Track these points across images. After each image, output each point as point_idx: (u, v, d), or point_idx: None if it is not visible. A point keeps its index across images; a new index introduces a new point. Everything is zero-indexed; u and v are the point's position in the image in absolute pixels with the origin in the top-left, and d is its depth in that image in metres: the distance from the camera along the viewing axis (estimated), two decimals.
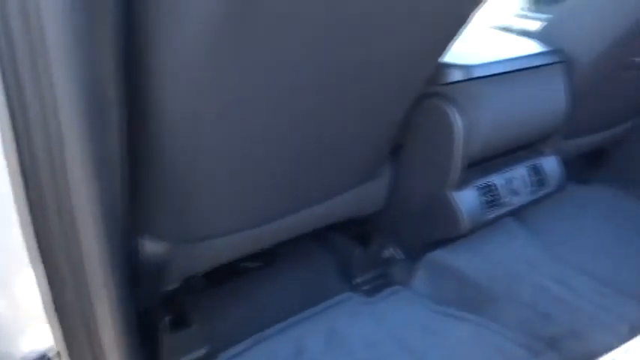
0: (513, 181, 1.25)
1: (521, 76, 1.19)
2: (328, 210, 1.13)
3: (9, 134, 0.53)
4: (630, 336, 1.06)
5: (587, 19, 1.26)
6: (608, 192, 1.71)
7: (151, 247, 0.87)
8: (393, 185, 1.22)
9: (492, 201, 1.20)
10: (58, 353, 0.68)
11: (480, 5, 0.88)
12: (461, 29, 0.91)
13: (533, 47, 1.29)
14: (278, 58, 0.69)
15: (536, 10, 2.03)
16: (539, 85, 1.24)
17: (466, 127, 1.08)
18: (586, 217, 1.53)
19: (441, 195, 1.15)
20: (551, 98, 1.27)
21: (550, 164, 1.35)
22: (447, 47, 0.94)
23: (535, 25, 1.84)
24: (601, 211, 1.58)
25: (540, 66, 1.24)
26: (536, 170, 1.32)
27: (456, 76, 1.08)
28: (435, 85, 1.10)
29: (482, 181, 1.20)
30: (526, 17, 1.96)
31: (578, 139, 1.53)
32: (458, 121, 1.07)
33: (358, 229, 1.32)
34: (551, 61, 1.26)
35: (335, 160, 1.00)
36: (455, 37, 0.92)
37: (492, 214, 1.20)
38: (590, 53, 1.27)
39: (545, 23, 1.37)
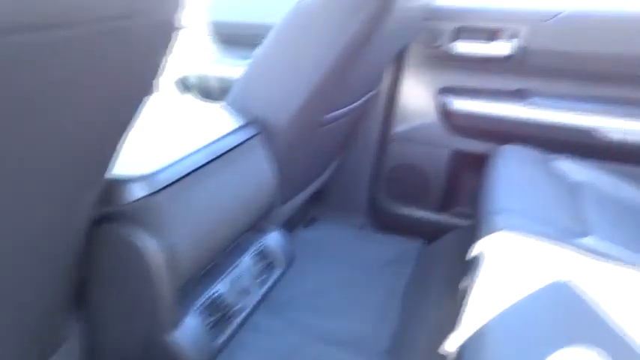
0: (241, 279, 1.09)
1: (221, 161, 1.02)
2: None
3: None
4: None
5: (274, 84, 1.17)
6: (330, 230, 1.74)
7: None
8: (91, 342, 0.91)
9: (222, 317, 1.01)
10: None
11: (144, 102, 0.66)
12: (124, 135, 0.68)
13: (228, 121, 1.14)
14: None
15: (227, 55, 1.95)
16: (244, 163, 1.10)
17: (166, 251, 0.84)
18: (320, 270, 1.50)
19: (155, 341, 0.89)
20: (259, 173, 1.15)
21: (275, 241, 1.24)
22: (113, 156, 0.69)
23: (227, 71, 1.75)
24: (330, 256, 1.57)
25: (241, 143, 1.09)
26: (262, 255, 1.18)
27: (137, 192, 0.83)
28: (112, 206, 0.83)
29: (204, 298, 0.99)
30: (216, 62, 1.85)
31: (293, 199, 1.47)
32: (152, 246, 0.83)
33: None
34: (250, 135, 1.13)
35: None
36: (119, 145, 0.68)
37: (225, 335, 1.01)
38: (284, 118, 1.19)
39: (235, 89, 1.23)
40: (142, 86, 0.63)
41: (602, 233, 1.03)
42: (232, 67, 1.75)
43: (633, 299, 0.84)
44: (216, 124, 1.11)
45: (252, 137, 1.13)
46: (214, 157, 0.99)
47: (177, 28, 0.61)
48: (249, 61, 1.20)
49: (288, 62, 1.15)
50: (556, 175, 1.32)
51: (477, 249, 1.05)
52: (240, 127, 1.12)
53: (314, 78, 1.14)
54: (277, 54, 1.16)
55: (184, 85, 1.85)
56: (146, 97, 0.66)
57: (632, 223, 1.13)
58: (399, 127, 1.71)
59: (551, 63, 1.51)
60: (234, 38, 1.97)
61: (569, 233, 1.01)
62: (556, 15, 1.48)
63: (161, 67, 0.64)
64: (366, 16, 1.04)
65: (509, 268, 0.91)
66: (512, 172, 1.30)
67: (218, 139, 1.04)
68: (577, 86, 1.51)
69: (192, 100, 1.67)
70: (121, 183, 0.82)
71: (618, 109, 1.47)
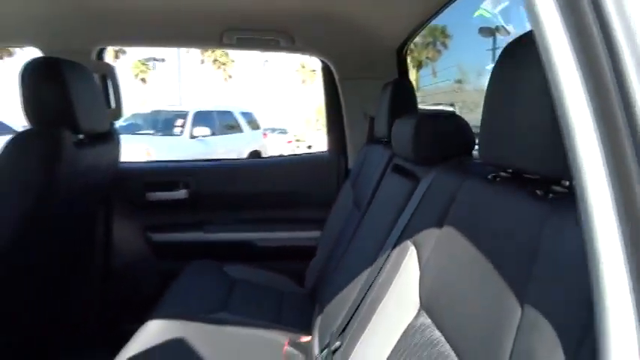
0: None
1: None
2: None
3: None
4: None
5: None
6: None
7: None
8: None
9: None
10: None
11: None
12: None
13: None
14: None
15: None
16: None
17: None
18: None
19: None
20: None
21: None
22: None
23: None
24: None
25: None
26: None
27: None
28: None
29: None
30: None
31: None
32: None
33: None
34: None
35: None
36: None
37: None
38: None
39: None
40: None
41: (233, 310, 1.60)
42: None
43: None
44: None
45: None
46: None
47: None
48: None
49: None
50: (224, 276, 1.92)
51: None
52: None
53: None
54: None
55: None
56: None
57: (260, 301, 1.75)
58: (118, 261, 2.13)
59: (216, 201, 2.20)
60: None
61: (208, 312, 1.55)
62: (213, 166, 2.20)
63: None
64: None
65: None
66: (192, 280, 1.85)
67: None
68: (237, 214, 2.23)
69: None
70: None
71: (264, 225, 2.21)
